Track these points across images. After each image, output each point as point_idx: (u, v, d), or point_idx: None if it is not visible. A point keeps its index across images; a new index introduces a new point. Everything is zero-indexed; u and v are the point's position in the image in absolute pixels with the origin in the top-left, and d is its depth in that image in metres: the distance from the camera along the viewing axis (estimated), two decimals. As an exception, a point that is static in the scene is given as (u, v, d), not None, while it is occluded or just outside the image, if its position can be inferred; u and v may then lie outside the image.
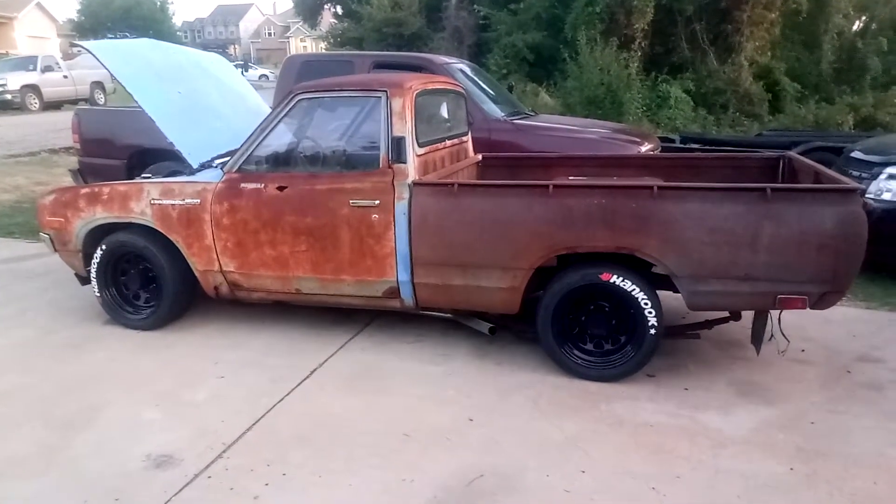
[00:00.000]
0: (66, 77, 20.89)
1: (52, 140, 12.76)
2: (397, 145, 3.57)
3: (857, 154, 5.63)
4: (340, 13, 25.57)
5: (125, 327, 4.17)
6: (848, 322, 4.21)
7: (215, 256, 3.91)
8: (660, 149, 6.35)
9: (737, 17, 15.63)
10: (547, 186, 3.35)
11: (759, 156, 4.53)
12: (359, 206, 3.61)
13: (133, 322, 4.16)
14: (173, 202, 3.90)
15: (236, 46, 72.92)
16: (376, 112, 3.65)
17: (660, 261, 3.25)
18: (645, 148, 5.91)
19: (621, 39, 14.30)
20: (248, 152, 3.82)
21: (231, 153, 4.19)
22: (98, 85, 21.50)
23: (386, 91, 3.62)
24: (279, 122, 3.79)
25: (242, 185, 3.80)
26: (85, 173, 6.93)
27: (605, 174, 4.60)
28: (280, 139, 3.83)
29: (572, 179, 4.47)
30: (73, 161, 7.59)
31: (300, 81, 6.48)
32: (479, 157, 4.85)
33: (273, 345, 3.94)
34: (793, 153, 4.38)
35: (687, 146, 8.40)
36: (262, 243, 3.80)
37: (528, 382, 3.46)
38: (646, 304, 3.31)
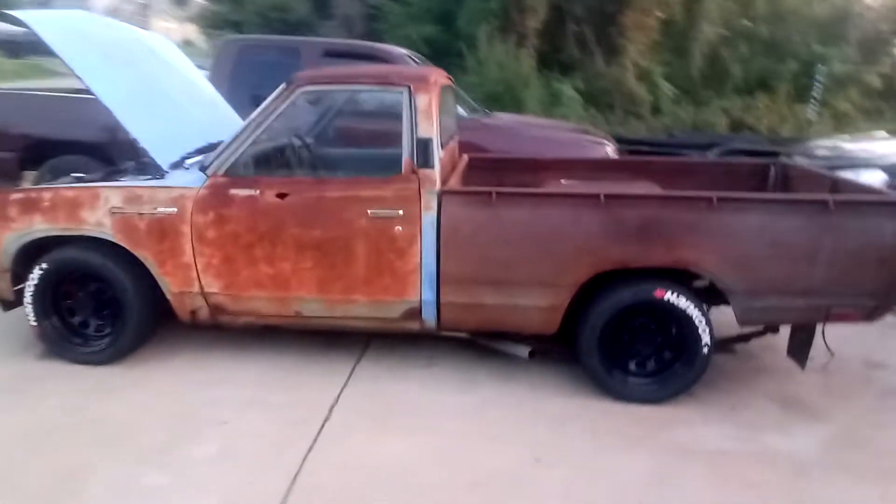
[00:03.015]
0: None
1: None
2: (424, 148, 3.15)
3: (799, 160, 5.83)
4: (215, -6, 23.82)
5: (70, 363, 3.42)
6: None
7: (195, 275, 3.28)
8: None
9: (620, 21, 16.17)
10: (598, 196, 3.08)
11: (750, 161, 4.52)
12: (379, 217, 3.15)
13: (84, 356, 3.41)
14: (141, 211, 3.22)
15: (85, 23, 66.30)
16: (397, 109, 3.19)
17: (717, 276, 3.07)
18: (609, 149, 5.82)
19: (517, 37, 14.36)
20: (238, 152, 3.23)
21: (201, 152, 3.58)
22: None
23: (409, 86, 3.18)
24: (276, 116, 3.23)
25: (232, 191, 3.21)
26: (-38, 168, 5.81)
27: (596, 178, 4.37)
28: (278, 137, 3.27)
29: (567, 184, 4.25)
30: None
31: (238, 69, 5.84)
32: (466, 157, 4.48)
33: (267, 377, 3.37)
34: (786, 159, 4.40)
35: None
36: (257, 260, 3.23)
37: (573, 410, 3.17)
38: (700, 321, 3.12)
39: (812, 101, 12.09)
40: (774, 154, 6.61)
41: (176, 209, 3.21)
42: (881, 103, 16.73)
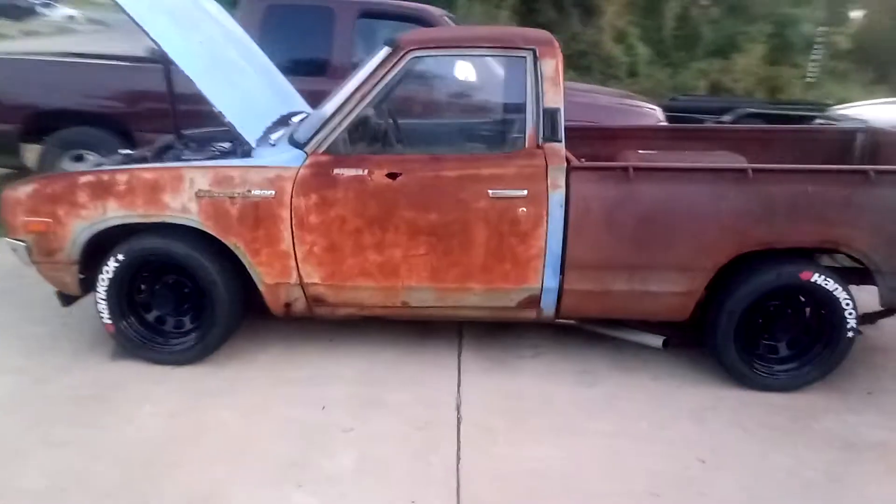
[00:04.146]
0: None
1: None
2: (551, 119, 2.85)
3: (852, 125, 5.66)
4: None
5: (150, 363, 3.08)
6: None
7: (294, 265, 2.95)
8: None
9: (597, -19, 15.79)
10: (745, 171, 2.83)
11: (833, 128, 4.31)
12: (500, 198, 2.85)
13: (168, 356, 3.07)
14: (233, 194, 2.86)
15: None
16: (520, 76, 2.88)
17: (868, 255, 2.87)
18: (660, 115, 5.58)
19: (494, -1, 13.95)
20: (342, 127, 2.88)
21: (278, 125, 3.22)
22: None
23: (534, 50, 2.86)
24: (384, 86, 2.88)
25: (336, 170, 2.87)
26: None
27: (671, 148, 4.12)
28: (385, 109, 2.92)
29: (650, 155, 4.00)
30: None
31: (265, 29, 5.36)
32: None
33: (371, 374, 3.07)
34: (873, 125, 4.19)
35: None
36: (365, 247, 2.91)
37: (708, 401, 2.96)
38: (847, 303, 2.91)
39: (814, 62, 11.98)
40: (805, 119, 6.45)
41: (273, 192, 2.86)
42: (848, 65, 16.86)
